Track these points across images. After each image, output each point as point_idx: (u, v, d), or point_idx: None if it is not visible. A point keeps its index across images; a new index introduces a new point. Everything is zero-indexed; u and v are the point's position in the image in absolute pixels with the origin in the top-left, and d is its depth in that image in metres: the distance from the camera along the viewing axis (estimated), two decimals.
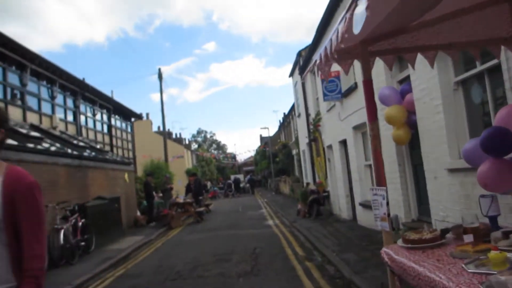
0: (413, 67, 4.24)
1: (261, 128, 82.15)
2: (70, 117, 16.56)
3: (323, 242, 9.44)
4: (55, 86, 15.12)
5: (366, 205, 10.17)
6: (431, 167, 6.54)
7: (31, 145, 10.15)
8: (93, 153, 14.25)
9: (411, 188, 7.71)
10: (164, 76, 29.38)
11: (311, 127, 15.54)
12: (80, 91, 17.12)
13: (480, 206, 3.38)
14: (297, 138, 28.17)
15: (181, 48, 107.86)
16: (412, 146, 7.55)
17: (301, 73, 16.75)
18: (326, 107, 13.36)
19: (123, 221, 15.42)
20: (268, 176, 48.37)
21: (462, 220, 3.13)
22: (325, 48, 3.46)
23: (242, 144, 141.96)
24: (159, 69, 29.18)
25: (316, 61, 3.83)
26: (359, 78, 9.72)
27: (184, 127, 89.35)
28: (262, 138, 66.74)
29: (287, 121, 38.88)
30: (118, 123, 22.33)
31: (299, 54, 17.13)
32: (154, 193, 18.62)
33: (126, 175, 16.71)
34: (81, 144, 14.56)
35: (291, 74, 20.27)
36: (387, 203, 3.88)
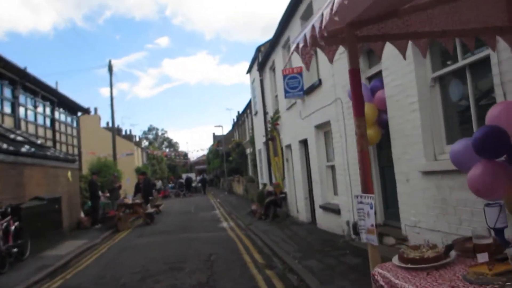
0: (404, 56, 3.73)
1: (215, 126, 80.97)
2: (7, 109, 15.07)
3: (283, 247, 8.90)
4: None
5: (327, 208, 9.75)
6: (403, 169, 6.14)
7: None
8: (32, 149, 12.95)
9: (377, 191, 7.31)
10: (115, 70, 28.04)
11: (269, 125, 15.01)
12: (20, 81, 15.65)
13: (485, 217, 2.90)
14: (252, 137, 27.68)
15: (132, 42, 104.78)
16: (380, 146, 7.16)
17: (260, 69, 16.19)
18: (285, 105, 12.86)
19: (64, 223, 14.21)
20: (221, 175, 47.62)
21: (472, 233, 2.62)
22: (312, 29, 2.88)
23: (195, 143, 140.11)
24: (109, 61, 27.65)
25: (298, 44, 3.23)
26: (324, 75, 9.27)
27: (134, 124, 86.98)
28: (215, 137, 65.81)
29: (241, 120, 38.34)
30: (63, 117, 20.82)
31: (258, 50, 16.56)
32: (100, 192, 17.42)
33: (69, 173, 15.45)
34: (19, 138, 13.22)
35: (249, 71, 19.68)
36: (375, 213, 3.33)
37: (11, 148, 11.10)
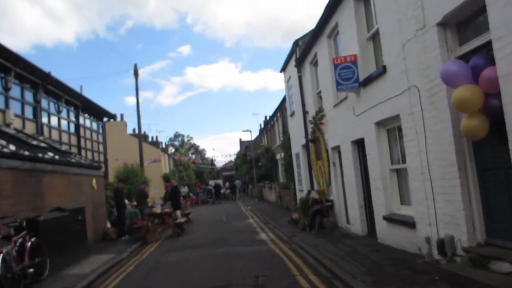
0: None
1: (243, 131, 79.25)
2: (29, 114, 14.07)
3: (344, 267, 7.35)
4: (9, 76, 12.65)
5: (395, 220, 8.13)
6: None
7: None
8: (53, 155, 11.82)
9: (476, 200, 5.70)
10: (139, 78, 26.97)
11: (311, 126, 13.49)
12: (42, 84, 14.65)
13: None
14: (285, 141, 26.20)
15: (154, 51, 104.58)
16: (479, 143, 5.55)
17: (298, 65, 14.71)
18: (332, 102, 11.34)
19: (88, 235, 12.99)
20: (249, 181, 46.25)
21: None
22: None
23: (221, 149, 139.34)
24: (135, 65, 26.74)
25: None
26: (391, 60, 7.71)
27: (160, 130, 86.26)
28: (242, 143, 64.69)
29: (270, 124, 36.92)
30: (88, 123, 19.84)
31: (295, 44, 15.09)
32: (126, 201, 16.24)
33: (94, 181, 14.30)
34: (42, 145, 12.12)
35: (283, 69, 18.20)
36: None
37: (27, 153, 9.95)
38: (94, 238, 13.77)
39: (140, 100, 26.67)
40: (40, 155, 10.60)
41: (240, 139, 66.54)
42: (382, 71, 8.00)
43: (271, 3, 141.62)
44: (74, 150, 16.88)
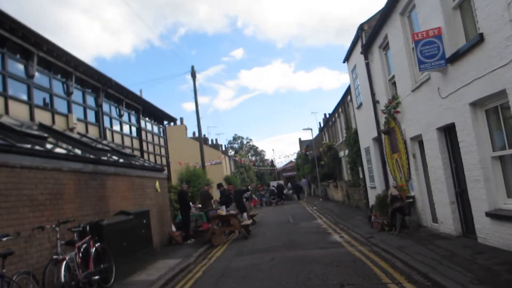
0: None
1: (303, 129, 77.89)
2: (91, 118, 14.01)
3: (444, 273, 6.21)
4: (71, 80, 12.59)
5: (500, 216, 6.85)
6: None
7: (27, 145, 7.50)
8: (116, 158, 11.55)
9: None
10: (192, 86, 26.90)
11: (384, 116, 12.28)
12: (103, 88, 14.57)
13: None
14: (350, 137, 24.94)
15: (208, 56, 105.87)
16: None
17: (365, 51, 13.52)
18: (410, 86, 10.11)
19: (154, 240, 12.65)
20: (312, 181, 45.06)
21: None
22: None
23: (280, 150, 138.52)
24: (192, 67, 26.59)
25: None
26: (489, 26, 6.46)
27: (220, 133, 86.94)
28: (301, 142, 63.49)
29: (332, 121, 35.59)
30: (149, 126, 19.77)
31: (360, 29, 13.88)
32: (191, 204, 15.82)
33: (157, 183, 13.98)
34: (105, 148, 11.91)
35: (346, 59, 17.00)
36: None
37: (88, 155, 9.65)
38: (160, 242, 13.43)
39: (198, 102, 26.36)
40: (103, 158, 10.30)
41: (300, 139, 65.36)
42: (477, 40, 6.75)
43: (320, 1, 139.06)
44: (136, 153, 16.76)
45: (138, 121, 18.16)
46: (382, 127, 12.67)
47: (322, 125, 45.23)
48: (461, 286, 5.51)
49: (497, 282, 5.45)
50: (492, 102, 6.92)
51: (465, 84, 7.38)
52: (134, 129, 17.85)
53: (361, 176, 18.70)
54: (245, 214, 15.41)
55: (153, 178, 13.79)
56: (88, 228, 7.97)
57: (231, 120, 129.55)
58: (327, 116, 43.83)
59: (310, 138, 57.13)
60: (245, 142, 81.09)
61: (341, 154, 32.13)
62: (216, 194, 21.82)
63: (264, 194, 38.44)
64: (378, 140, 14.05)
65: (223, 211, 14.60)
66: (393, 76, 11.75)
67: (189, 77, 27.16)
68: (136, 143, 17.64)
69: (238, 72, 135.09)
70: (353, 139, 24.46)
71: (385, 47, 12.13)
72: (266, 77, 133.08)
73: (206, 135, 44.64)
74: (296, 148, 75.60)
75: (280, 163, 74.91)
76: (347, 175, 30.74)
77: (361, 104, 15.80)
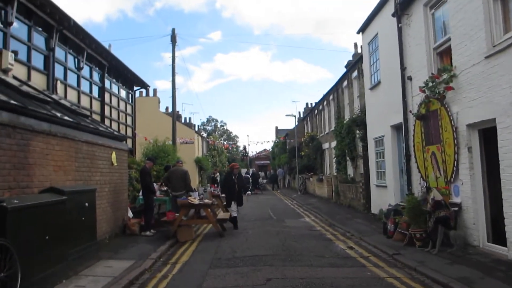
0: None
1: (286, 116, 75.23)
2: (38, 63, 10.57)
3: None
4: (11, 8, 9.11)
5: None
6: None
7: None
8: (56, 113, 8.16)
9: None
10: (166, 65, 23.43)
11: (422, 95, 9.35)
12: (58, 27, 11.11)
13: None
14: (340, 127, 22.21)
15: (184, 35, 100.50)
16: None
17: (401, 12, 10.50)
18: (481, 51, 7.20)
19: (102, 229, 9.49)
20: (289, 172, 42.33)
21: None
22: None
23: (254, 138, 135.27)
24: (173, 30, 23.15)
25: None
26: None
27: (194, 111, 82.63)
28: (278, 131, 60.58)
29: (318, 110, 32.82)
30: (115, 89, 16.32)
31: None
32: (155, 185, 12.60)
33: (113, 155, 10.69)
34: (41, 97, 8.53)
35: (364, 28, 13.88)
36: None
37: (8, 100, 6.31)
38: (111, 231, 10.26)
39: (175, 71, 22.89)
40: (31, 107, 6.93)
41: (276, 127, 62.48)
42: None
43: None
44: (96, 118, 13.37)
45: (102, 80, 14.71)
46: (417, 111, 9.72)
47: (302, 115, 42.43)
48: None
49: None
50: None
51: None
52: (95, 88, 14.39)
53: (361, 172, 15.87)
54: (234, 206, 12.34)
55: (109, 147, 10.50)
56: None
57: (206, 103, 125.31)
58: (311, 105, 41.13)
59: (288, 127, 54.51)
60: (219, 125, 77.53)
61: (326, 145, 29.44)
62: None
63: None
64: (399, 128, 11.17)
65: (195, 198, 11.43)
66: (443, 42, 8.82)
67: (164, 54, 23.43)
68: (96, 106, 14.22)
69: (214, 55, 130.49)
70: (345, 129, 21.67)
71: (435, 3, 9.17)
72: (243, 63, 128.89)
73: (180, 112, 41.01)
74: (272, 137, 72.73)
75: (253, 151, 71.85)
76: (330, 168, 28.11)
77: (378, 83, 12.83)
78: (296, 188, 35.47)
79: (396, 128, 11.64)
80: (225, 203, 14.82)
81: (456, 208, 8.04)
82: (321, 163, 31.62)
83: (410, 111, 9.95)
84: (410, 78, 10.26)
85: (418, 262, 7.07)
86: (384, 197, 12.40)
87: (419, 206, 8.30)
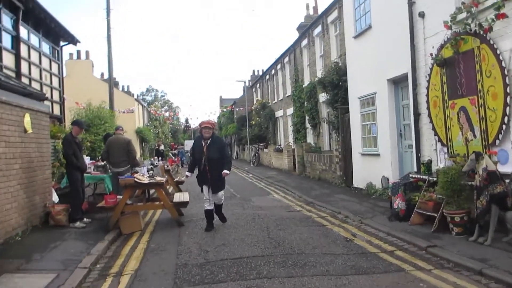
0: None
1: (237, 81, 72.30)
2: None
3: None
4: None
5: None
6: None
7: None
8: None
9: None
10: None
11: (449, 32, 7.13)
12: None
13: None
14: (302, 90, 20.09)
15: None
16: None
17: None
18: None
19: (10, 222, 6.60)
20: (237, 143, 40.00)
21: None
22: None
23: (198, 108, 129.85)
24: None
25: None
26: None
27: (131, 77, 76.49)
28: (222, 100, 57.64)
29: (269, 75, 30.49)
30: (35, 41, 12.78)
31: None
32: (89, 160, 9.64)
33: (27, 119, 7.65)
34: None
35: None
36: None
37: None
38: (26, 222, 7.40)
39: (110, 23, 19.31)
40: None
41: (221, 97, 59.59)
42: None
43: None
44: (10, 75, 9.99)
45: (15, 28, 11.18)
46: (438, 55, 7.49)
47: (249, 84, 39.86)
48: None
49: None
50: None
51: None
52: (7, 37, 10.91)
53: (324, 140, 13.70)
54: (220, 193, 7.99)
55: (19, 108, 7.45)
56: None
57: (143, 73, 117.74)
58: (260, 72, 38.58)
59: (234, 96, 51.57)
60: (159, 95, 73.07)
61: (280, 113, 27.32)
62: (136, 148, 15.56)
63: (178, 153, 32.68)
64: (401, 81, 9.02)
65: (143, 175, 8.67)
66: None
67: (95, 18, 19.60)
68: (9, 60, 10.80)
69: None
70: (306, 93, 19.53)
71: None
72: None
73: (117, 79, 36.91)
74: (216, 107, 69.27)
75: (195, 124, 68.35)
76: (285, 137, 26.04)
77: (367, 29, 10.47)
78: (247, 160, 33.22)
79: (395, 82, 9.47)
80: (176, 179, 12.22)
81: (507, 180, 5.97)
82: (274, 132, 29.53)
83: (431, 54, 7.69)
84: (422, 15, 8.01)
85: (478, 260, 4.96)
86: (374, 168, 10.32)
87: (457, 179, 6.15)
